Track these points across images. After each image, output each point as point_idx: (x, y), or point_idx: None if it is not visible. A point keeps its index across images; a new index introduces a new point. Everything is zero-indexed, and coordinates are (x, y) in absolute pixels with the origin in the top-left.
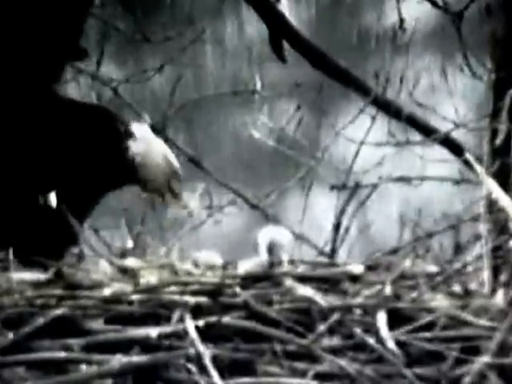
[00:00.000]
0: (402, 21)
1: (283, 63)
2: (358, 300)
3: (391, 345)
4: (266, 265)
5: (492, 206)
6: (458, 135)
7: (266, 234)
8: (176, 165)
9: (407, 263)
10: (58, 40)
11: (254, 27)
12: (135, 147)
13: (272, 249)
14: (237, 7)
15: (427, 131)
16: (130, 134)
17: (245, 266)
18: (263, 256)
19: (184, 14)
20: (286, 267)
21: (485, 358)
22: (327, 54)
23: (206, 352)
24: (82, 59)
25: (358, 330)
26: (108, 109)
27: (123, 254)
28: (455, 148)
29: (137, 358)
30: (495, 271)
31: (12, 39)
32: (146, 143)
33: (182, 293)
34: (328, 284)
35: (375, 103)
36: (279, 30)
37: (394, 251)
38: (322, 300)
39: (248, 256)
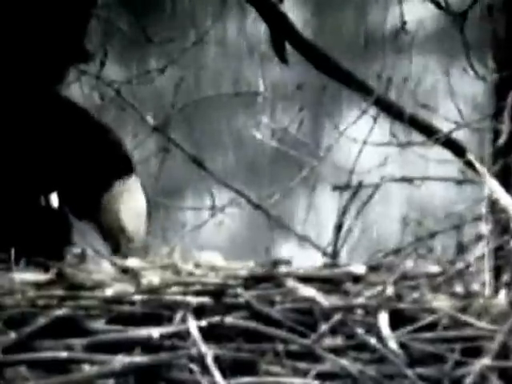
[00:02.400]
0: (404, 23)
1: (285, 64)
2: (360, 300)
3: (393, 345)
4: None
5: (494, 206)
6: (460, 135)
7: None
8: (137, 229)
9: (409, 264)
10: (63, 42)
11: (257, 28)
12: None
13: None
14: (239, 8)
15: (429, 132)
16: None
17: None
18: None
19: (186, 15)
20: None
21: (486, 359)
22: (329, 55)
23: (209, 352)
24: (87, 61)
25: (359, 330)
26: (105, 123)
27: (125, 254)
28: (457, 148)
29: (139, 358)
30: (497, 272)
31: (16, 41)
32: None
33: (185, 293)
34: (330, 284)
35: (377, 104)
36: (281, 31)
37: (396, 251)
38: (323, 300)
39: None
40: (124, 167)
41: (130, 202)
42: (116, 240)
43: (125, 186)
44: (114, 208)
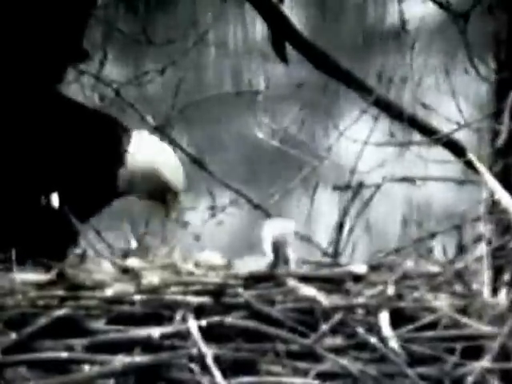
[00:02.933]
0: (404, 22)
1: (285, 64)
2: (361, 300)
3: (393, 344)
4: (268, 265)
5: (494, 206)
6: (460, 135)
7: (271, 229)
8: (176, 177)
9: (410, 263)
10: (61, 41)
11: (257, 28)
12: (132, 158)
13: (278, 246)
14: (239, 8)
15: (429, 132)
16: (129, 141)
17: (246, 266)
18: (268, 251)
19: (187, 15)
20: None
21: (487, 359)
22: (329, 55)
23: (209, 352)
24: (84, 61)
25: (360, 330)
26: (109, 115)
27: (126, 254)
28: (457, 149)
29: (139, 358)
30: (497, 271)
31: (15, 40)
32: (144, 153)
33: (185, 293)
34: (331, 284)
35: (377, 104)
36: (281, 30)
37: (397, 251)
38: (324, 300)
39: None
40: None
41: (154, 156)
42: (160, 196)
43: (140, 147)
44: (144, 167)
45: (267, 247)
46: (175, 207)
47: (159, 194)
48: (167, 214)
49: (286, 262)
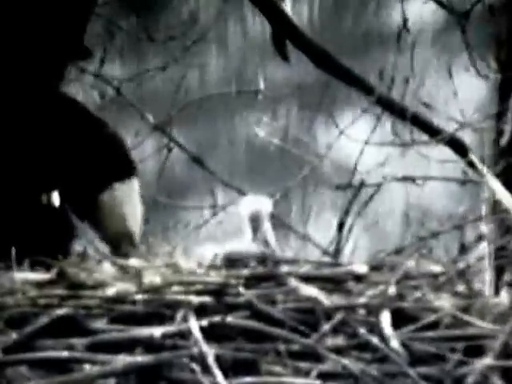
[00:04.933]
0: (405, 21)
1: (286, 62)
2: (362, 300)
3: (395, 344)
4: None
5: (496, 206)
6: (462, 135)
7: (248, 205)
8: (132, 230)
9: (411, 263)
10: (62, 39)
11: (258, 27)
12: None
13: (255, 220)
14: (240, 7)
15: (431, 131)
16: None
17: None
18: (246, 228)
19: (187, 13)
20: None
21: (488, 358)
22: (330, 54)
23: (210, 352)
24: (85, 59)
25: (361, 330)
26: (106, 122)
27: (124, 255)
28: (460, 148)
29: (140, 358)
30: (499, 271)
31: (16, 38)
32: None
33: (186, 292)
34: (332, 284)
35: (379, 102)
36: (283, 29)
37: (398, 251)
38: (325, 300)
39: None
40: (125, 167)
41: (130, 204)
42: (115, 241)
43: (126, 186)
44: (115, 209)
45: (244, 224)
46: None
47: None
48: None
49: (265, 237)
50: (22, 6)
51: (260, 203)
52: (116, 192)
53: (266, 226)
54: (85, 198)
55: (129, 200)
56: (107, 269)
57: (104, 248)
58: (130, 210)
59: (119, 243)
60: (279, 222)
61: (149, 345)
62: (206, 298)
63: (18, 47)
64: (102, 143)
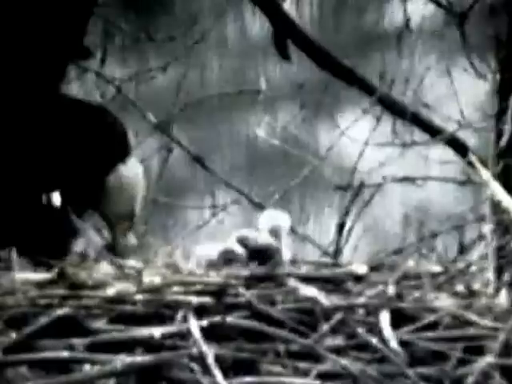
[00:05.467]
0: (408, 20)
1: (288, 62)
2: (362, 300)
3: (394, 345)
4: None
5: (496, 206)
6: (461, 136)
7: (267, 220)
8: (136, 210)
9: (411, 263)
10: (63, 39)
11: (258, 26)
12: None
13: (274, 235)
14: (241, 6)
15: (432, 131)
16: (128, 139)
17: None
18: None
19: (188, 13)
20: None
21: (488, 359)
22: (332, 54)
23: (210, 352)
24: (86, 58)
25: (361, 330)
26: (109, 111)
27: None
28: (460, 148)
29: (140, 358)
30: (499, 271)
31: (16, 38)
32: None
33: (186, 293)
34: (331, 284)
35: (380, 102)
36: (284, 29)
37: (398, 251)
38: (325, 300)
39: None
40: (126, 148)
41: (131, 184)
42: (116, 221)
43: (126, 166)
44: (120, 190)
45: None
46: (125, 232)
47: (119, 217)
48: (116, 237)
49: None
50: (23, 6)
51: (279, 218)
52: (119, 173)
53: (285, 241)
54: (85, 193)
55: (130, 180)
56: (107, 269)
57: (105, 248)
58: (131, 190)
59: (120, 223)
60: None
61: (149, 345)
62: (206, 299)
63: (19, 47)
64: (104, 130)
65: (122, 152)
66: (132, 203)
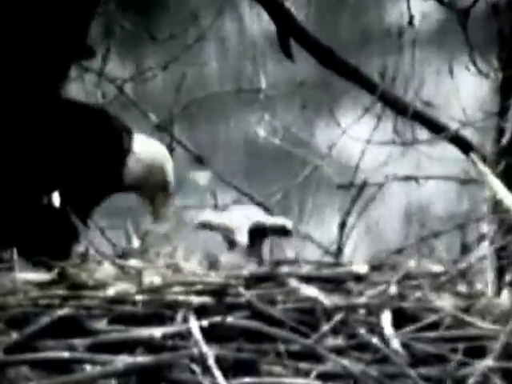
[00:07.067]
0: (411, 17)
1: (291, 61)
2: (363, 300)
3: (395, 345)
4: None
5: (497, 206)
6: (463, 134)
7: (246, 217)
8: (170, 178)
9: (412, 263)
10: (65, 39)
11: (259, 25)
12: (136, 156)
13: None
14: (241, 5)
15: (435, 128)
16: (130, 139)
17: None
18: (243, 240)
19: (188, 12)
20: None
21: (489, 359)
22: (335, 52)
23: (210, 352)
24: (88, 58)
25: (362, 330)
26: (110, 113)
27: (127, 253)
28: (464, 146)
29: (141, 358)
30: (500, 271)
31: (19, 38)
32: (145, 155)
33: (186, 293)
34: (332, 284)
35: (383, 99)
36: (287, 27)
37: (399, 251)
38: (326, 300)
39: None
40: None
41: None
42: (153, 193)
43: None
44: (146, 170)
45: (241, 236)
46: (166, 207)
47: (156, 190)
48: (157, 214)
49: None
50: (26, 6)
51: (257, 215)
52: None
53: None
54: (89, 183)
55: (158, 153)
56: (108, 269)
57: (105, 247)
58: (162, 161)
59: (156, 194)
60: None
61: (149, 345)
62: (207, 299)
63: (21, 47)
64: (103, 141)
65: (123, 153)
66: (164, 173)
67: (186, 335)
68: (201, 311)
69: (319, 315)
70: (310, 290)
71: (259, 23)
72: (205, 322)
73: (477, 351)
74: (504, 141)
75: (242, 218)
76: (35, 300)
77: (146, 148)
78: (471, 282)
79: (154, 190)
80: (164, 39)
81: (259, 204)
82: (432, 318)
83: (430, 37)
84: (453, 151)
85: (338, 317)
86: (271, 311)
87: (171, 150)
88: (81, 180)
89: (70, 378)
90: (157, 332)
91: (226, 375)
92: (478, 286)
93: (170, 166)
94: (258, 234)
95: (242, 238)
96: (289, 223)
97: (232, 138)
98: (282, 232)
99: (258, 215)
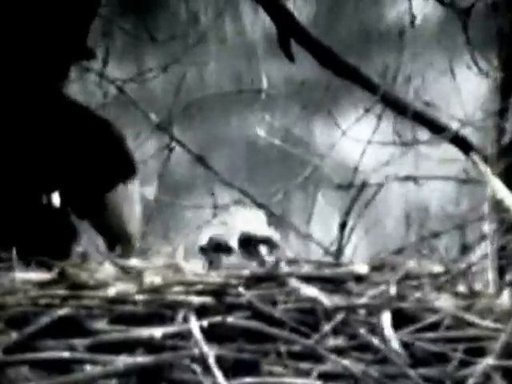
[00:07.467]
0: (413, 18)
1: (291, 62)
2: (363, 300)
3: (395, 345)
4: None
5: (498, 205)
6: (464, 134)
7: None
8: (136, 232)
9: (412, 263)
10: (66, 40)
11: (259, 25)
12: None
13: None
14: (241, 5)
15: (435, 128)
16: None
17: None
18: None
19: (188, 13)
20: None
21: (490, 359)
22: (336, 52)
23: (211, 352)
24: (88, 59)
25: (362, 330)
26: (107, 119)
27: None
28: (464, 146)
29: (141, 359)
30: (500, 271)
31: (19, 39)
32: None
33: (187, 293)
34: (332, 284)
35: (383, 100)
36: (287, 28)
37: (400, 251)
38: (326, 300)
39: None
40: (127, 167)
41: (132, 205)
42: (116, 241)
43: (128, 187)
44: (116, 210)
45: (233, 242)
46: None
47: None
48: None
49: (261, 259)
50: (26, 6)
51: (253, 219)
52: (117, 192)
53: (262, 248)
54: (86, 196)
55: (131, 201)
56: (108, 269)
57: (105, 248)
58: (132, 210)
59: (120, 243)
60: (281, 221)
61: (149, 345)
62: (207, 299)
63: (21, 47)
64: (107, 144)
65: (123, 167)
66: (128, 223)
67: (186, 335)
68: (201, 311)
69: (320, 315)
70: (310, 290)
71: (259, 23)
72: (205, 322)
73: (477, 351)
74: (504, 140)
75: (235, 226)
76: (35, 300)
77: (119, 190)
78: (471, 282)
79: (115, 237)
80: (164, 40)
81: (259, 205)
82: (432, 318)
83: (431, 37)
84: (453, 151)
85: (338, 317)
86: (272, 311)
87: (170, 150)
88: (80, 180)
89: (70, 378)
90: (157, 332)
91: (226, 375)
92: (478, 286)
93: (138, 217)
94: (248, 243)
95: (234, 244)
96: (277, 236)
97: (232, 139)
98: (269, 244)
99: (256, 220)
